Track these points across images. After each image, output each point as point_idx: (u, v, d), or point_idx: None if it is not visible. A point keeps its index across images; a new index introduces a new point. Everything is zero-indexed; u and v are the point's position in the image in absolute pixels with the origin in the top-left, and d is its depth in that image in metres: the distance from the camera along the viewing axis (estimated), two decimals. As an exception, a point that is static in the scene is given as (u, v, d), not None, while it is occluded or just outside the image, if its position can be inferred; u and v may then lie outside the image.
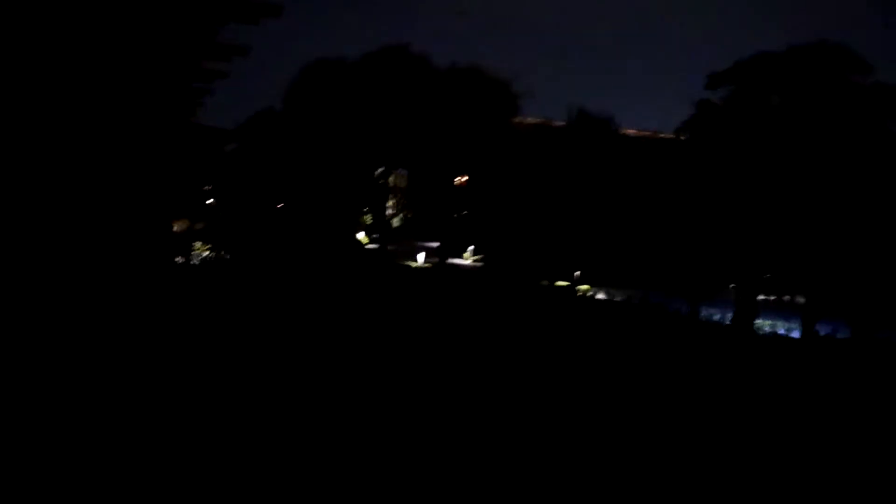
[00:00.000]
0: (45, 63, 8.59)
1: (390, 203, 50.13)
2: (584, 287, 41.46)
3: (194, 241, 33.12)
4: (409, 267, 43.62)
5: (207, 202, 39.33)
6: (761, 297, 34.91)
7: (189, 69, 16.89)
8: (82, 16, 8.83)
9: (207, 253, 33.22)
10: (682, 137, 38.72)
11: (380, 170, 48.22)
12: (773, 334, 28.96)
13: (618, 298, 37.26)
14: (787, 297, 35.46)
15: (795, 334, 30.47)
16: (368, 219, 50.53)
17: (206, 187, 38.75)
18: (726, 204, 33.36)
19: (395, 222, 50.97)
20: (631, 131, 43.55)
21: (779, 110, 34.49)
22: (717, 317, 33.30)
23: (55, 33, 8.53)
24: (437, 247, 48.53)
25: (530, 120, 45.48)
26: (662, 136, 42.30)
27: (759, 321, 33.04)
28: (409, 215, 50.56)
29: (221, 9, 13.17)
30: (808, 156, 32.44)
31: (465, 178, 48.20)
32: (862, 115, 32.92)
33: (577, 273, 41.81)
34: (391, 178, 49.93)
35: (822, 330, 28.84)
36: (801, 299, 33.61)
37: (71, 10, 8.40)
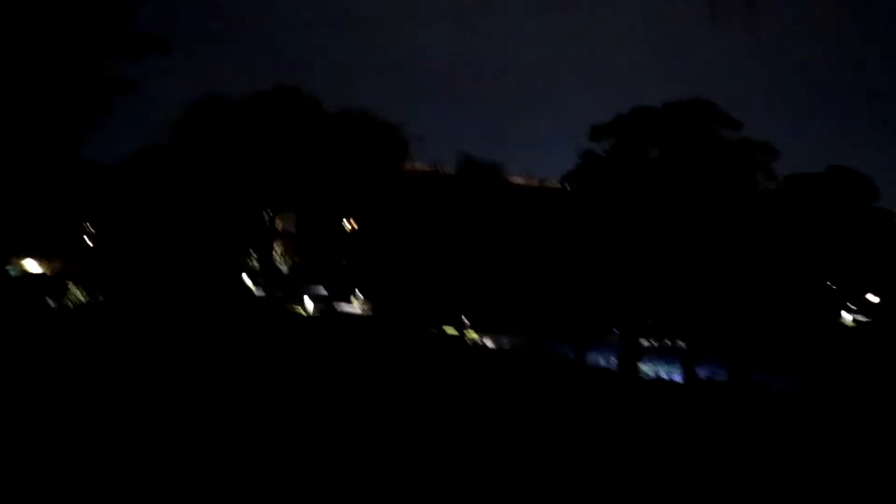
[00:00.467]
0: None
1: (278, 247, 49.10)
2: (472, 334, 41.70)
3: (67, 282, 31.21)
4: (297, 314, 42.69)
5: (84, 241, 37.32)
6: (644, 342, 36.14)
7: (72, 103, 16.10)
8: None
9: (81, 295, 31.37)
10: (568, 187, 40.01)
11: (268, 212, 47.28)
12: (657, 378, 29.96)
13: (505, 345, 37.66)
14: (668, 342, 36.83)
15: (677, 377, 31.62)
16: (256, 264, 49.26)
17: (85, 225, 36.82)
18: (610, 251, 34.55)
19: (283, 267, 49.87)
20: (519, 180, 44.58)
21: (657, 162, 36.30)
22: (601, 362, 34.16)
23: None
24: (326, 293, 47.77)
25: (420, 166, 45.88)
26: (549, 185, 43.50)
27: (642, 365, 34.13)
28: (296, 260, 49.62)
29: (108, 42, 12.65)
30: (685, 205, 34.17)
31: (354, 222, 47.90)
32: (731, 167, 35.11)
33: (465, 319, 42.04)
34: (279, 221, 49.01)
35: (702, 373, 30.08)
36: (681, 344, 34.99)
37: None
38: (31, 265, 34.78)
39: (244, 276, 49.51)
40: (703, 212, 33.89)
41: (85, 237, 37.71)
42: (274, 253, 48.91)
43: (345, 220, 47.21)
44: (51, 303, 29.08)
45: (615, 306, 34.88)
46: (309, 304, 47.30)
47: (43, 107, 14.47)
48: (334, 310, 45.71)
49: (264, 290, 47.92)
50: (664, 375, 32.08)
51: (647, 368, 33.82)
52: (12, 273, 29.80)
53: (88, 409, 10.57)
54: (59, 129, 17.76)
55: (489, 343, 39.95)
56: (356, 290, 50.43)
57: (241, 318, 30.27)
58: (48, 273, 33.81)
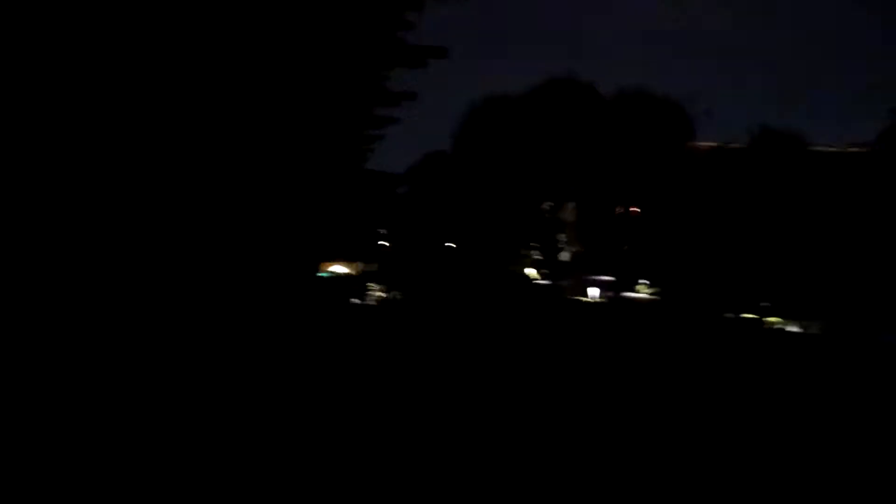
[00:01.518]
0: (248, 121, 8.57)
1: (560, 237, 49.19)
2: (774, 319, 38.40)
3: (369, 283, 33.81)
4: (582, 302, 42.36)
5: (381, 244, 40.23)
6: None
7: (362, 117, 16.94)
8: (278, 77, 8.81)
9: (381, 294, 33.81)
10: (879, 149, 35.40)
11: (549, 204, 47.48)
12: None
13: (813, 332, 34.24)
14: None
15: None
16: (538, 254, 49.84)
17: (381, 230, 39.67)
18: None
19: (566, 257, 49.92)
20: (820, 147, 40.30)
21: None
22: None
23: (256, 93, 8.50)
24: (611, 281, 46.94)
25: (707, 143, 43.19)
26: (856, 150, 38.84)
27: None
28: (579, 249, 49.38)
29: (391, 56, 12.96)
30: None
31: (637, 208, 46.46)
32: None
33: (766, 304, 38.80)
34: (560, 212, 49.04)
35: None
36: None
37: (263, 73, 8.33)
38: (338, 268, 38.17)
39: (529, 267, 50.30)
40: None
41: (381, 241, 40.59)
42: (557, 243, 49.07)
43: (628, 205, 45.98)
44: (356, 300, 31.57)
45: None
46: (593, 292, 46.78)
47: (340, 124, 15.30)
48: (619, 297, 44.75)
49: (549, 279, 48.28)
50: None
51: None
52: (323, 276, 32.77)
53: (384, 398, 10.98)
54: (354, 144, 18.86)
55: (795, 329, 36.55)
56: (642, 277, 48.97)
57: (528, 308, 30.55)
58: (352, 274, 36.83)
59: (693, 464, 8.61)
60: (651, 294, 48.71)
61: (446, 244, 40.76)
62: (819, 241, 35.70)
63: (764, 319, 38.10)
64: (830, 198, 35.99)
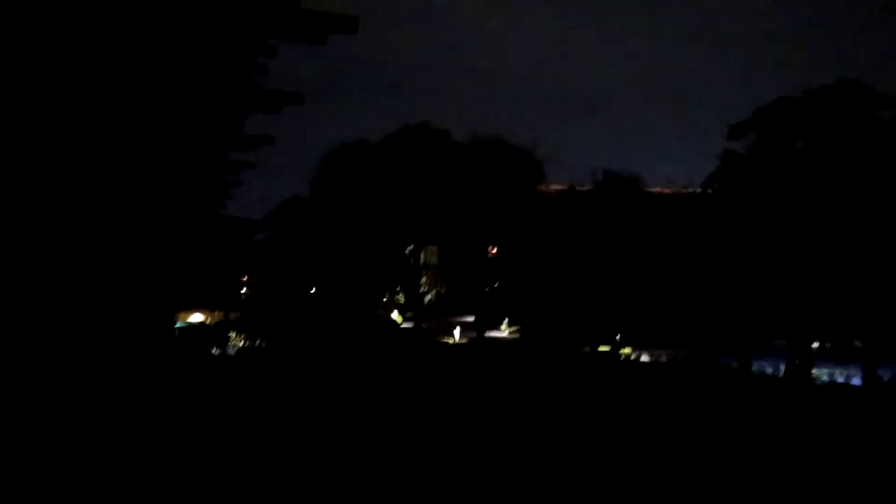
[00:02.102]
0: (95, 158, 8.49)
1: (422, 280, 49.96)
2: (627, 350, 40.57)
3: (229, 332, 33.08)
4: (447, 343, 43.09)
5: (241, 292, 39.48)
6: (815, 344, 33.79)
7: (218, 162, 16.93)
8: (123, 120, 8.81)
9: (242, 343, 33.12)
10: (710, 190, 38.33)
11: (410, 247, 48.25)
12: (832, 383, 27.82)
13: (663, 359, 36.33)
14: (840, 343, 34.21)
15: (856, 381, 29.27)
16: (402, 297, 50.32)
17: (241, 278, 38.97)
18: (765, 251, 32.66)
19: (429, 299, 50.67)
20: (657, 189, 43.29)
21: (804, 153, 34.11)
22: (769, 370, 32.13)
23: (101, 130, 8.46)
24: (473, 321, 48.02)
25: (556, 186, 45.49)
26: (690, 190, 41.94)
27: (815, 370, 31.85)
28: (441, 291, 50.29)
29: (246, 100, 13.19)
30: (841, 195, 31.84)
31: (495, 249, 48.00)
32: (890, 149, 32.43)
33: (618, 336, 40.98)
34: (422, 255, 49.89)
35: (886, 374, 27.64)
36: (858, 343, 32.39)
37: (111, 113, 8.36)
38: (196, 317, 37.15)
39: (393, 311, 50.66)
40: (861, 199, 31.44)
41: (241, 289, 39.89)
42: (420, 286, 49.79)
43: (486, 247, 47.44)
44: (215, 350, 30.80)
45: (778, 309, 32.86)
46: (457, 333, 47.70)
47: (195, 170, 15.27)
48: (482, 336, 45.84)
49: (412, 321, 48.81)
50: (840, 379, 29.75)
51: (821, 373, 31.49)
52: (181, 326, 31.82)
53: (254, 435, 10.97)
54: (209, 190, 18.74)
55: (645, 358, 38.69)
56: (503, 317, 50.41)
57: (392, 350, 30.83)
58: (211, 323, 35.94)
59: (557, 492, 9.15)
60: (512, 332, 50.19)
61: (309, 290, 40.50)
62: (662, 277, 38.10)
63: (618, 351, 40.14)
64: (669, 235, 38.60)
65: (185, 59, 9.35)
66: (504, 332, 51.10)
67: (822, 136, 33.69)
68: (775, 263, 32.28)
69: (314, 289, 41.98)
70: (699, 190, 39.68)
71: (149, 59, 8.27)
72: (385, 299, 49.88)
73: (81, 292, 8.81)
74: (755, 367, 32.21)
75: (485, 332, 46.53)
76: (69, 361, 8.26)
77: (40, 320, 7.54)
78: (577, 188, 43.03)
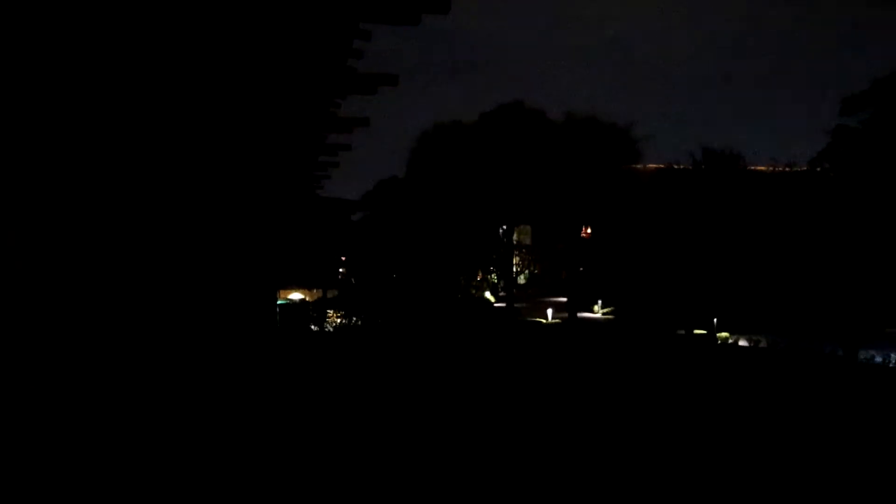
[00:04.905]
0: (201, 152, 8.90)
1: (515, 260, 49.97)
2: (724, 334, 39.53)
3: (328, 310, 33.98)
4: (539, 323, 43.04)
5: (339, 271, 40.50)
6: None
7: (316, 144, 17.32)
8: (224, 111, 9.18)
9: (340, 320, 33.98)
10: (819, 169, 36.74)
11: (503, 227, 48.28)
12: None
13: (762, 345, 35.22)
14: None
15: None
16: (495, 277, 50.47)
17: (340, 257, 39.93)
18: (880, 235, 31.11)
19: (522, 279, 50.66)
20: (761, 167, 41.77)
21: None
22: (878, 359, 30.64)
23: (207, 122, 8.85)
24: (565, 302, 47.76)
25: (652, 165, 44.54)
26: (797, 168, 40.32)
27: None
28: (534, 271, 50.23)
29: (342, 83, 13.43)
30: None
31: (589, 229, 47.46)
32: None
33: (715, 320, 39.95)
34: (515, 235, 49.84)
35: None
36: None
37: (213, 103, 8.72)
38: (296, 296, 38.29)
39: (486, 290, 50.89)
40: None
41: (338, 268, 40.89)
42: (512, 266, 49.82)
43: (580, 227, 46.99)
44: (313, 327, 31.73)
45: (891, 294, 31.30)
46: (549, 313, 47.58)
47: (295, 152, 15.71)
48: (575, 317, 45.55)
49: (505, 301, 48.93)
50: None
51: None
52: (282, 303, 32.90)
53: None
54: (308, 171, 19.25)
55: (743, 343, 37.63)
56: (596, 297, 49.91)
57: (485, 329, 31.01)
58: (310, 301, 37.02)
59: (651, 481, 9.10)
60: (605, 313, 49.65)
61: (404, 269, 41.15)
62: (764, 258, 36.88)
63: (715, 335, 39.16)
64: (772, 216, 37.28)
65: (287, 49, 9.68)
66: (597, 313, 50.61)
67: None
68: (889, 247, 30.71)
69: (408, 268, 42.65)
70: (805, 168, 38.15)
71: (256, 51, 8.62)
72: (479, 279, 50.17)
73: (199, 273, 9.28)
74: (862, 355, 30.79)
75: (577, 312, 46.20)
76: (192, 336, 8.77)
77: (164, 301, 8.03)
78: (675, 167, 42.00)
